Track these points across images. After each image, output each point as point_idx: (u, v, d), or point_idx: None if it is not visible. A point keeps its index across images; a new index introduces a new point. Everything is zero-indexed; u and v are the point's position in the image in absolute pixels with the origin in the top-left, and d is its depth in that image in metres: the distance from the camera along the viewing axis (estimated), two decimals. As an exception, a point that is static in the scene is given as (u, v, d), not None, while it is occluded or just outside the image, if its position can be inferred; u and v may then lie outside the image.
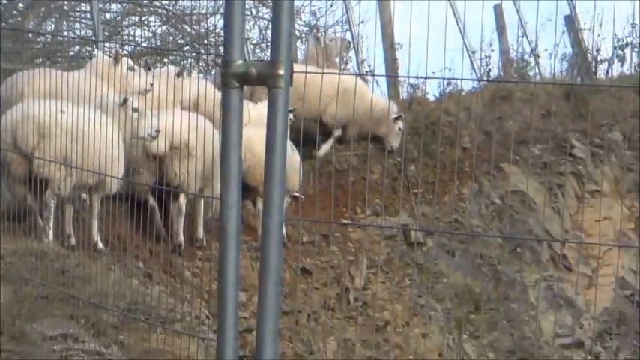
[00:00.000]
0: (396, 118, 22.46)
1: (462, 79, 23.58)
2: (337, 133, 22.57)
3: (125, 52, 22.36)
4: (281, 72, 3.75)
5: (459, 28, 25.57)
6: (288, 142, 7.34)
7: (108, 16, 33.57)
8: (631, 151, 26.01)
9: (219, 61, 21.92)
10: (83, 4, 31.63)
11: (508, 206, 23.38)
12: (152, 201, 17.95)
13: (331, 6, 32.52)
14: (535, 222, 23.98)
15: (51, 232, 16.45)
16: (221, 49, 7.56)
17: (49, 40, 31.08)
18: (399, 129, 22.65)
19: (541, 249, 23.74)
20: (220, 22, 27.72)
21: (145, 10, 34.40)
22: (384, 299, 20.64)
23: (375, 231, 21.21)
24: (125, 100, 17.31)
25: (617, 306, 23.76)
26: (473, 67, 28.81)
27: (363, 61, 28.09)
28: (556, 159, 24.77)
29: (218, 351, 3.66)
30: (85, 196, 17.41)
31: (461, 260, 22.66)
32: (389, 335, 20.07)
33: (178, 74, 19.84)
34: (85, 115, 16.14)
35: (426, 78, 20.30)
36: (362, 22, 28.83)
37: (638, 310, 23.23)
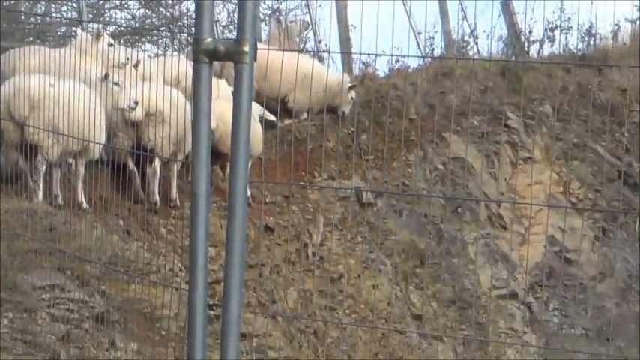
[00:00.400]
0: (350, 87, 23.58)
1: (408, 57, 25.74)
2: (303, 116, 23.74)
3: (106, 31, 23.51)
4: (246, 49, 4.03)
5: (406, 12, 27.87)
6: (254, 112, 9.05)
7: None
8: (559, 122, 27.43)
9: (191, 40, 22.56)
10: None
11: (450, 171, 24.46)
12: (131, 165, 18.81)
13: (292, -10, 31.53)
14: (474, 185, 25.28)
15: (40, 193, 17.60)
16: (193, 29, 7.38)
17: (39, 21, 32.27)
18: (352, 97, 23.81)
19: (479, 209, 25.15)
20: (193, 6, 26.98)
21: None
22: (339, 254, 21.58)
23: (330, 193, 22.44)
24: (107, 75, 18.22)
25: (547, 261, 24.86)
26: (418, 47, 29.23)
27: (320, 41, 29.09)
28: (493, 129, 25.97)
29: (190, 299, 4.00)
30: (71, 160, 18.36)
31: (408, 219, 23.94)
32: (343, 286, 21.19)
33: (135, 65, 20.49)
34: (71, 88, 17.07)
35: (376, 55, 20.53)
36: (320, 5, 29.70)
37: (565, 264, 25.23)
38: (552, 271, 25.57)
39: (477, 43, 31.96)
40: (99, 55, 19.73)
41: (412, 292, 22.94)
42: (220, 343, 3.86)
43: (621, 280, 26.99)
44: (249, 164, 12.85)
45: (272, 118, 20.61)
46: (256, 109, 18.74)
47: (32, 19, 31.71)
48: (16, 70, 18.73)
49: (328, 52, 27.63)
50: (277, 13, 30.08)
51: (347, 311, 21.63)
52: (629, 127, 28.64)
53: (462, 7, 30.89)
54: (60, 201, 17.98)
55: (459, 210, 24.82)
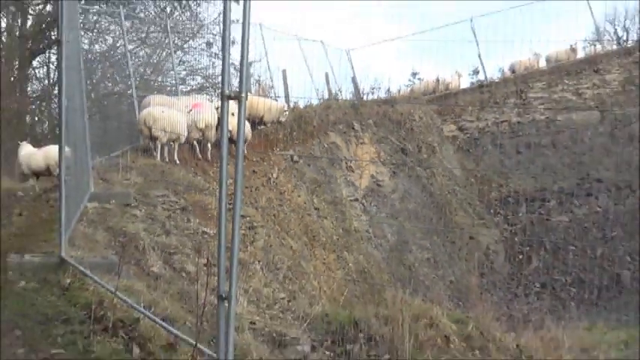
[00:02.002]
0: (285, 111, 26.64)
1: (311, 98, 31.09)
2: (268, 124, 25.96)
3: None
4: (243, 95, 6.55)
5: (326, 79, 33.15)
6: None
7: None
8: (376, 127, 30.80)
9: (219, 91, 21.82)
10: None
11: (330, 148, 28.75)
12: (195, 144, 22.75)
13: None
14: (341, 154, 29.39)
15: (158, 156, 21.27)
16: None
17: (160, 80, 33.65)
18: (286, 115, 26.70)
19: (344, 165, 28.92)
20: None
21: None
22: (284, 182, 25.16)
23: (281, 157, 25.65)
24: (190, 110, 22.38)
25: (370, 185, 29.54)
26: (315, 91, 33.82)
27: (272, 87, 31.51)
28: (347, 132, 29.90)
29: (219, 201, 6.37)
30: (172, 142, 21.98)
31: (313, 168, 27.31)
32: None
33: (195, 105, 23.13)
34: (170, 112, 21.98)
35: (298, 98, 27.99)
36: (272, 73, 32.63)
37: (378, 187, 29.72)
38: (373, 189, 28.60)
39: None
40: (185, 99, 24.57)
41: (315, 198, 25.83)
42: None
43: (401, 193, 29.37)
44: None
45: (248, 126, 22.45)
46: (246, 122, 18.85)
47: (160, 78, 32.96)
48: (149, 104, 22.73)
49: (277, 97, 29.23)
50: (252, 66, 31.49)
51: (274, 218, 22.42)
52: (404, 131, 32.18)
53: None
54: (166, 159, 21.54)
55: (334, 165, 27.86)
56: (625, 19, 44.15)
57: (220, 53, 24.89)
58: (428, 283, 22.49)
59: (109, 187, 14.59)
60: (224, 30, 7.17)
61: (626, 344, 19.03)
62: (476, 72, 35.39)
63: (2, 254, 10.81)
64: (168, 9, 33.59)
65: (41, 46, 30.68)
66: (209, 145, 22.79)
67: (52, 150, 16.05)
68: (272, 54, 31.87)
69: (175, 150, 21.56)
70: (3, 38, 32.75)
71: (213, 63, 33.75)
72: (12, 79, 30.64)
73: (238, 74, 7.35)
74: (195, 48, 34.55)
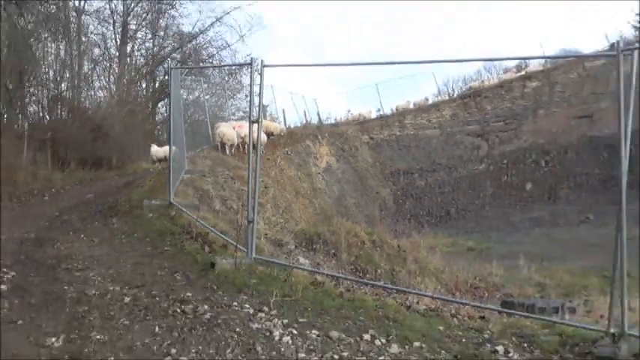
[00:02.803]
0: (284, 129, 24.31)
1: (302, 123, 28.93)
2: (274, 136, 22.70)
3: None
4: (258, 119, 6.84)
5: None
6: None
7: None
8: (331, 138, 29.36)
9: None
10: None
11: (305, 149, 27.96)
12: (240, 146, 19.11)
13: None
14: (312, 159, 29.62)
15: (223, 152, 18.21)
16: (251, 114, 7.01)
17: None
18: (284, 131, 24.18)
19: (312, 160, 27.41)
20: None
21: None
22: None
23: (285, 155, 26.17)
24: (235, 128, 19.11)
25: (327, 167, 27.59)
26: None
27: (271, 115, 27.97)
28: (313, 139, 27.64)
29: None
30: (229, 144, 18.57)
31: (294, 156, 27.52)
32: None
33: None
34: (230, 129, 19.04)
35: (291, 122, 26.44)
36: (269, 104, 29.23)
37: (332, 175, 29.27)
38: (327, 168, 26.19)
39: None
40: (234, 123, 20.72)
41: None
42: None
43: (342, 170, 27.50)
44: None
45: (265, 136, 20.09)
46: (263, 134, 18.62)
47: (220, 113, 30.00)
48: (219, 127, 19.35)
49: (280, 122, 26.50)
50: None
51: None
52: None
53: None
54: (227, 153, 18.17)
55: (309, 155, 25.04)
56: (453, 84, 41.41)
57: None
58: (354, 215, 22.05)
59: (194, 166, 14.00)
60: (250, 89, 7.37)
61: (452, 244, 20.23)
62: (378, 110, 33.86)
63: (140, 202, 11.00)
64: (226, 77, 32.43)
65: (162, 96, 30.09)
66: (245, 146, 19.43)
67: (167, 148, 14.53)
68: (278, 100, 30.35)
69: (230, 149, 18.91)
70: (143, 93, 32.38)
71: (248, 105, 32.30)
72: (148, 112, 30.75)
73: (257, 113, 7.45)
74: (239, 97, 32.69)
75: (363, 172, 28.91)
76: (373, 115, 33.54)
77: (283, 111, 29.16)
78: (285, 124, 27.33)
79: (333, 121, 32.36)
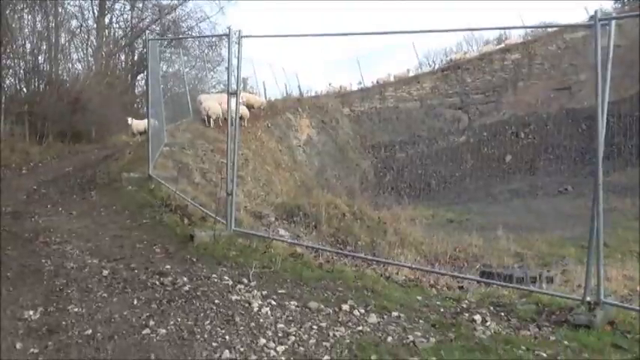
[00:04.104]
0: (264, 102, 23.53)
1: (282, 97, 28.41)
2: (254, 109, 21.66)
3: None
4: (236, 91, 6.80)
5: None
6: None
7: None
8: (311, 111, 29.57)
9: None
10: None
11: (285, 122, 28.34)
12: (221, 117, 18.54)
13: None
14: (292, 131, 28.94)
15: (208, 124, 17.70)
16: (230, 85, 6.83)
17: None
18: (264, 104, 23.31)
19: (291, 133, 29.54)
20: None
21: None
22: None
23: (268, 130, 26.92)
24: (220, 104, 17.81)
25: (308, 139, 27.47)
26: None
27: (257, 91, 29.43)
28: (294, 110, 27.20)
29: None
30: (213, 117, 17.95)
31: (273, 130, 26.02)
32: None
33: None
34: (213, 101, 18.20)
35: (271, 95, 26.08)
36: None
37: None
38: (308, 141, 25.60)
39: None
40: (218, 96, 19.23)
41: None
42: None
43: (322, 143, 26.94)
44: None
45: (246, 109, 19.82)
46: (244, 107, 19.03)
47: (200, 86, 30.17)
48: (202, 100, 18.72)
49: (260, 95, 26.85)
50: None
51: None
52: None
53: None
54: (209, 126, 17.46)
55: (289, 128, 24.74)
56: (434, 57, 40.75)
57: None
58: (334, 187, 21.11)
59: (173, 139, 13.79)
60: (229, 61, 7.27)
61: (432, 216, 19.77)
62: (359, 83, 33.57)
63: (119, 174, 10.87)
64: (206, 50, 32.22)
65: (141, 69, 29.74)
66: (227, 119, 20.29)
67: (146, 121, 14.10)
68: (258, 73, 30.84)
69: (213, 122, 17.89)
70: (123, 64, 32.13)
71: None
72: (127, 85, 30.42)
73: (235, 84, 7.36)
74: (219, 69, 32.25)
75: (344, 145, 28.62)
76: (354, 88, 33.33)
77: (264, 83, 29.11)
78: (265, 97, 27.06)
79: (313, 94, 31.93)
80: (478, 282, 6.77)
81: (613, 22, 4.63)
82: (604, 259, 4.92)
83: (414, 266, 7.34)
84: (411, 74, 34.25)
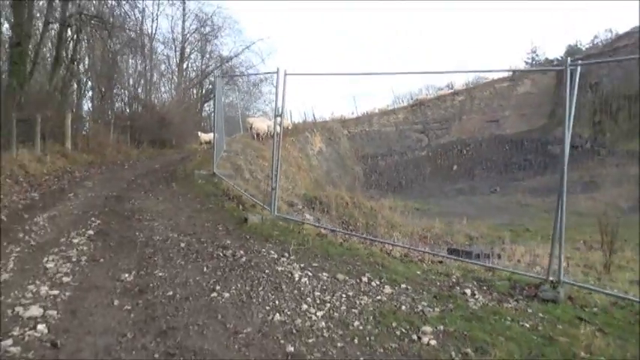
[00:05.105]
0: (290, 124, 21.29)
1: (304, 121, 27.47)
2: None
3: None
4: (281, 115, 6.19)
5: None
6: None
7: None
8: (328, 132, 31.83)
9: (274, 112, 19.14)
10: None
11: (305, 137, 29.45)
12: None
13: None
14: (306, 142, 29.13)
15: (252, 137, 16.18)
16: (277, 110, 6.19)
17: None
18: (291, 125, 21.31)
19: (311, 140, 29.37)
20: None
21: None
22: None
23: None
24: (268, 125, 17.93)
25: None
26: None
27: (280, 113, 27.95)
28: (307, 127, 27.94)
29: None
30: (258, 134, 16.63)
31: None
32: None
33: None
34: (261, 123, 17.02)
35: (298, 119, 25.76)
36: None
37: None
38: (319, 151, 23.89)
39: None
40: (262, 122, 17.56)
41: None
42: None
43: (329, 153, 27.05)
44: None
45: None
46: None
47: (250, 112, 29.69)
48: (251, 120, 17.67)
49: (287, 119, 25.71)
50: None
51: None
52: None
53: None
54: (255, 139, 16.14)
55: (307, 143, 23.05)
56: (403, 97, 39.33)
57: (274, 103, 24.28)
58: (338, 184, 20.43)
59: (230, 148, 13.06)
60: (276, 92, 6.67)
61: (404, 206, 18.93)
62: (353, 113, 32.37)
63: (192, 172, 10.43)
64: (251, 88, 32.06)
65: (207, 99, 30.08)
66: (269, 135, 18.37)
67: (211, 135, 14.63)
68: (286, 104, 28.64)
69: (257, 136, 16.73)
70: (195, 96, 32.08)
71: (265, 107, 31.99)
72: (197, 110, 30.43)
73: (280, 109, 6.79)
74: (260, 101, 32.82)
75: (344, 155, 27.89)
76: (351, 116, 32.36)
77: (290, 111, 27.87)
78: (291, 121, 25.50)
79: (323, 120, 31.00)
80: (448, 258, 5.80)
81: (579, 68, 3.94)
82: (564, 245, 4.25)
83: (406, 246, 6.57)
84: (390, 108, 33.57)
